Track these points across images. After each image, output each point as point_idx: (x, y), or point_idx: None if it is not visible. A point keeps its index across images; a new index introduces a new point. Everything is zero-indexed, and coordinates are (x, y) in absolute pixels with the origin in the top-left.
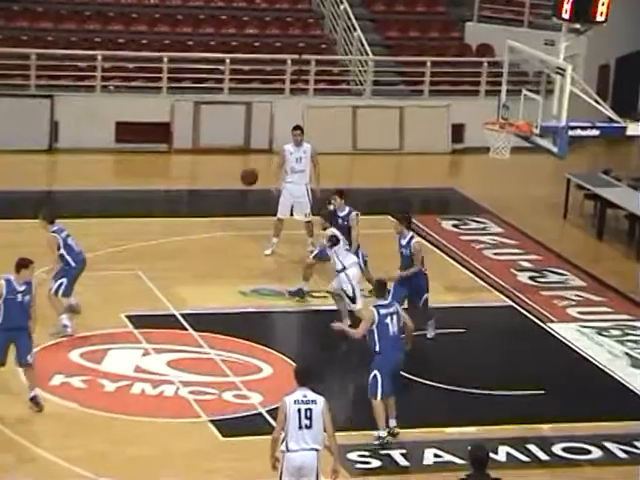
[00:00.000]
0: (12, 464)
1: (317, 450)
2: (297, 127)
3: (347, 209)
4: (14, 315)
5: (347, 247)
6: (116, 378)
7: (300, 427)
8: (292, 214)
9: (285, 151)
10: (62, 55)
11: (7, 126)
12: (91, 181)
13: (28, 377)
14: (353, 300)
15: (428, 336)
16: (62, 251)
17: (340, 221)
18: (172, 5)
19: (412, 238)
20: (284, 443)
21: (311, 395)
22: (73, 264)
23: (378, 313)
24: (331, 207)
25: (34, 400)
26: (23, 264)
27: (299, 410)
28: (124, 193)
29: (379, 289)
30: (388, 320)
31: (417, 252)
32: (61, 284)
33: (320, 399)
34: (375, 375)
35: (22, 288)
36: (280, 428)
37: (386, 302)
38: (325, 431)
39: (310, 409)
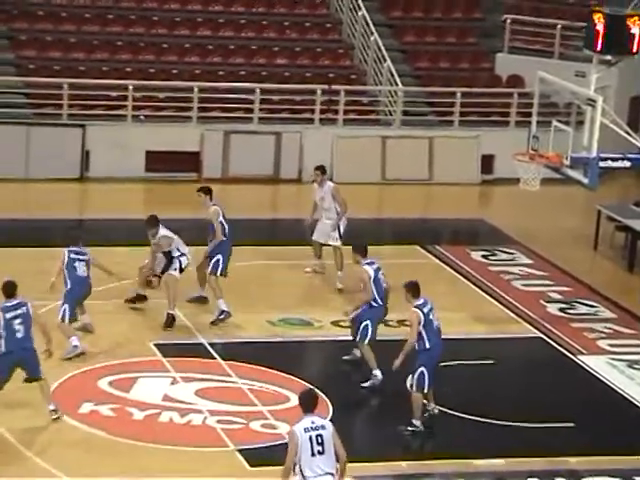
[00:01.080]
0: None
1: (332, 474)
2: (317, 167)
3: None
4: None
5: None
6: (144, 406)
7: (313, 454)
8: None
9: (314, 190)
10: (94, 85)
11: (40, 155)
12: (121, 210)
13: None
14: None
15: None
16: (64, 268)
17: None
18: (202, 35)
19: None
20: (299, 472)
21: (319, 421)
22: (69, 286)
23: (422, 312)
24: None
25: (54, 411)
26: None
27: (310, 438)
28: None
29: (414, 289)
30: (431, 316)
31: (361, 281)
32: (64, 310)
33: (328, 423)
34: (422, 372)
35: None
36: (291, 458)
37: (422, 300)
38: (336, 454)
39: (321, 435)
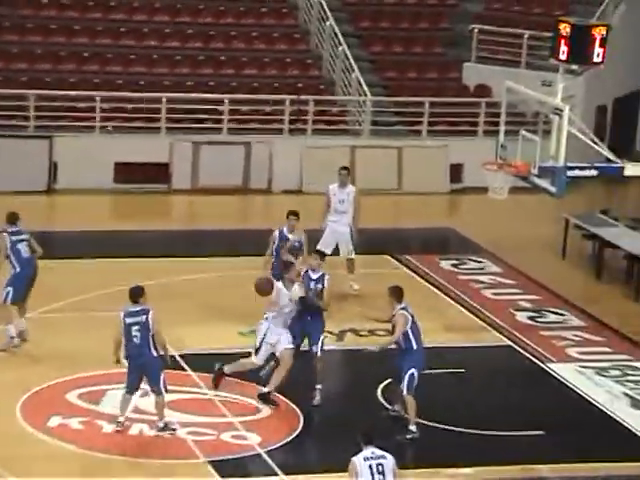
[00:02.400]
0: None
1: None
2: (344, 168)
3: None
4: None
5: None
6: (114, 419)
7: None
8: (337, 250)
9: (330, 191)
10: (61, 96)
11: (6, 167)
12: (90, 222)
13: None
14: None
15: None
16: (9, 253)
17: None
18: (170, 46)
19: (324, 274)
20: None
21: (378, 451)
22: (18, 269)
23: (410, 313)
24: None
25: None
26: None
27: (370, 466)
28: (123, 234)
29: (398, 293)
30: (416, 319)
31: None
32: (8, 292)
33: (388, 455)
34: (413, 373)
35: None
36: None
37: (405, 304)
38: None
39: (381, 464)
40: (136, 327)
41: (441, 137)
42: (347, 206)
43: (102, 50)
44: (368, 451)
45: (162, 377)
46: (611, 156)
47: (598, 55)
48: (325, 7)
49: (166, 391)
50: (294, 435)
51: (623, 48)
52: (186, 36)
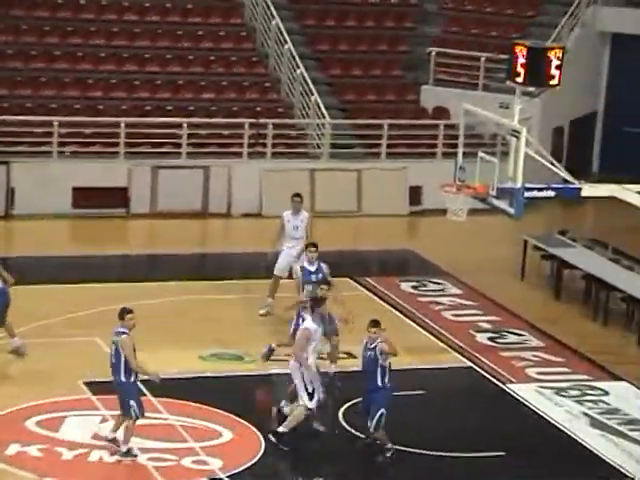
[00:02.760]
0: None
1: None
2: (297, 195)
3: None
4: None
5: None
6: (74, 446)
7: None
8: (291, 275)
9: (284, 218)
10: (18, 121)
11: None
12: (48, 247)
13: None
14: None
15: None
16: None
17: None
18: (129, 71)
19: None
20: None
21: None
22: None
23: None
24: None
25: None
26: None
27: None
28: (81, 259)
29: (377, 324)
30: None
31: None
32: None
33: None
34: (383, 413)
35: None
36: None
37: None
38: None
39: None
40: (114, 347)
41: (400, 159)
42: (301, 232)
43: (59, 75)
44: None
45: (132, 402)
46: (568, 177)
47: (554, 77)
48: (283, 30)
49: (142, 416)
50: (256, 459)
51: (578, 70)
52: (144, 60)
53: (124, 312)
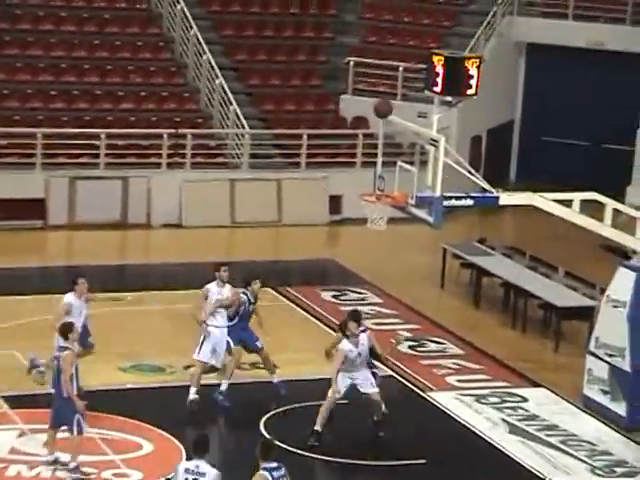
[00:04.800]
0: None
1: None
2: (225, 263)
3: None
4: None
5: None
6: None
7: None
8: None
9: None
10: None
11: None
12: None
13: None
14: None
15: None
16: None
17: None
18: (45, 81)
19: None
20: None
21: (203, 467)
22: None
23: None
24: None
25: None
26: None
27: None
28: None
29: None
30: None
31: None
32: None
33: (212, 472)
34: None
35: None
36: None
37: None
38: None
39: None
40: (56, 362)
41: (320, 169)
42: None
43: None
44: (193, 463)
45: (75, 418)
46: (486, 186)
47: (471, 87)
48: (201, 40)
49: (80, 432)
50: None
51: (495, 80)
52: (60, 70)
53: (68, 328)
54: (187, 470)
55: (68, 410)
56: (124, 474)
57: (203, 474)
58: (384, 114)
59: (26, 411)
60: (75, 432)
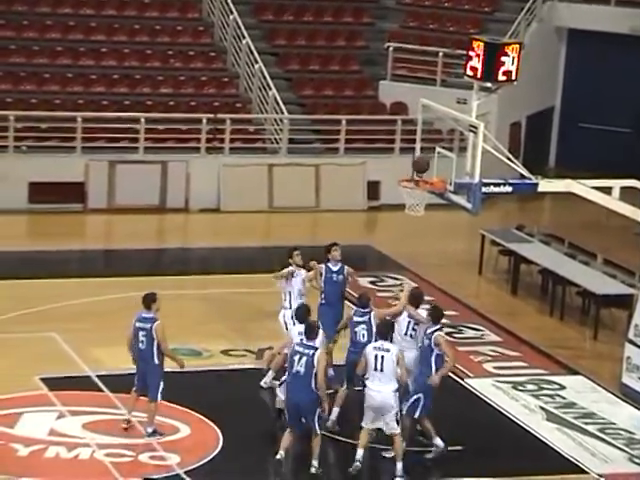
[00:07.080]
0: None
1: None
2: (296, 248)
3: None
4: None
5: None
6: (30, 442)
7: (375, 369)
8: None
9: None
10: None
11: None
12: (5, 242)
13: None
14: None
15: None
16: None
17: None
18: (85, 65)
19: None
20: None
21: (387, 345)
22: None
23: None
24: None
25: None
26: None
27: (376, 356)
28: (38, 254)
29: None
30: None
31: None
32: None
33: (394, 348)
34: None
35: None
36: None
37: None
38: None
39: (383, 355)
40: (142, 333)
41: (358, 155)
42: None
43: (15, 69)
44: (378, 343)
45: (161, 385)
46: (525, 173)
47: (511, 73)
48: (241, 25)
49: (160, 399)
50: (214, 454)
51: (535, 66)
52: (100, 54)
53: (153, 298)
54: (375, 347)
55: (158, 377)
56: (161, 457)
57: (387, 350)
58: (422, 170)
59: (65, 393)
60: (160, 398)
